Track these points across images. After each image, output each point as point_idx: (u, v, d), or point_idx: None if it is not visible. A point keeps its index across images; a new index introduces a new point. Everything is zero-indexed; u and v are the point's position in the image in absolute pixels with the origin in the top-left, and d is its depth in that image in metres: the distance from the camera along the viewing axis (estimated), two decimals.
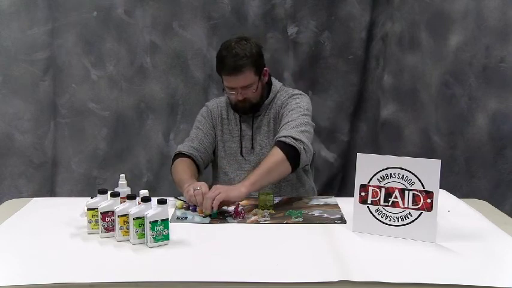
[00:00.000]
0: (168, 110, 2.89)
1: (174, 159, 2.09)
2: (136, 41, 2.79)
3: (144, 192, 1.58)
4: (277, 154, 1.83)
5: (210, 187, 2.13)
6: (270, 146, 2.03)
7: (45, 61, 2.67)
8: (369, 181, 1.57)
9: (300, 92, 2.12)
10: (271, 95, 2.09)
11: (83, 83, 2.75)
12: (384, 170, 1.55)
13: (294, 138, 1.85)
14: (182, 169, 1.99)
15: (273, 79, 2.14)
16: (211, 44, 2.87)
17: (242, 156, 2.10)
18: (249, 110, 2.07)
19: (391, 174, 1.54)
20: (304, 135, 1.88)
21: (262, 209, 1.79)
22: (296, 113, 1.96)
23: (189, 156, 2.06)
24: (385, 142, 2.88)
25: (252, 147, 2.10)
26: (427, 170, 1.50)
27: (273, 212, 1.79)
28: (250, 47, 1.98)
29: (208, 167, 2.20)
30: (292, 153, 1.84)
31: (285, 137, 1.86)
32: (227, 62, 1.94)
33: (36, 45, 2.65)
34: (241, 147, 2.11)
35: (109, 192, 1.58)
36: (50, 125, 2.74)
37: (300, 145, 1.85)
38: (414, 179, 1.51)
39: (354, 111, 3.03)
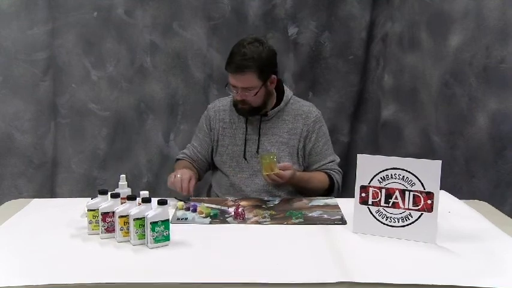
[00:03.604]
0: (168, 110, 2.89)
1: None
2: (136, 41, 2.79)
3: (144, 193, 1.58)
4: (324, 180, 2.11)
5: (209, 189, 2.16)
6: (278, 155, 2.05)
7: (45, 61, 2.67)
8: (370, 182, 1.57)
9: (317, 110, 2.17)
10: (282, 104, 2.10)
11: (83, 83, 2.75)
12: (384, 170, 1.55)
13: (338, 182, 2.15)
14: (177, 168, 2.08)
15: (286, 87, 2.15)
16: (211, 44, 2.87)
17: (245, 159, 2.10)
18: (248, 113, 2.06)
19: (391, 175, 1.54)
20: (340, 176, 2.18)
21: (268, 175, 1.85)
22: (330, 148, 2.19)
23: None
24: (386, 143, 2.88)
25: (257, 152, 2.09)
26: (428, 171, 1.50)
27: (274, 213, 1.79)
28: (260, 50, 1.96)
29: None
30: (331, 187, 2.12)
31: (336, 173, 2.16)
32: (233, 60, 1.95)
33: (36, 45, 2.64)
34: (244, 151, 2.10)
35: (109, 193, 1.58)
36: (50, 125, 2.73)
37: (337, 185, 2.14)
38: (415, 180, 1.51)
39: (354, 112, 3.03)
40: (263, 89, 2.00)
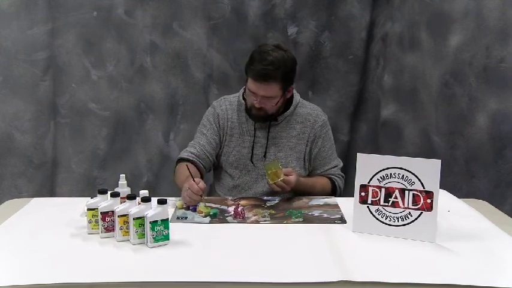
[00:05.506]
0: (168, 110, 2.89)
1: (176, 165, 2.09)
2: (136, 41, 2.79)
3: (144, 192, 1.58)
4: (327, 186, 2.11)
5: (210, 188, 2.13)
6: (285, 159, 2.06)
7: (45, 61, 2.67)
8: (369, 181, 1.57)
9: (324, 114, 2.16)
10: (292, 108, 2.09)
11: (83, 83, 2.75)
12: (383, 170, 1.55)
13: (340, 188, 2.15)
14: (181, 172, 1.98)
15: (294, 91, 2.12)
16: (211, 44, 2.87)
17: (252, 162, 2.09)
18: (262, 119, 2.04)
19: (391, 174, 1.54)
20: (342, 181, 2.18)
21: (274, 182, 1.84)
22: (334, 153, 2.19)
23: (190, 160, 2.05)
24: (385, 142, 2.88)
25: (264, 156, 2.09)
26: (427, 170, 1.50)
27: (273, 212, 1.79)
28: (286, 59, 1.93)
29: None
30: (333, 190, 2.12)
31: (339, 178, 2.16)
32: (258, 67, 1.90)
33: (36, 45, 2.64)
34: (252, 154, 2.09)
35: (109, 192, 1.58)
36: (50, 125, 2.73)
37: (339, 190, 2.15)
38: (414, 179, 1.52)
39: (354, 112, 3.03)
40: (282, 98, 1.99)
